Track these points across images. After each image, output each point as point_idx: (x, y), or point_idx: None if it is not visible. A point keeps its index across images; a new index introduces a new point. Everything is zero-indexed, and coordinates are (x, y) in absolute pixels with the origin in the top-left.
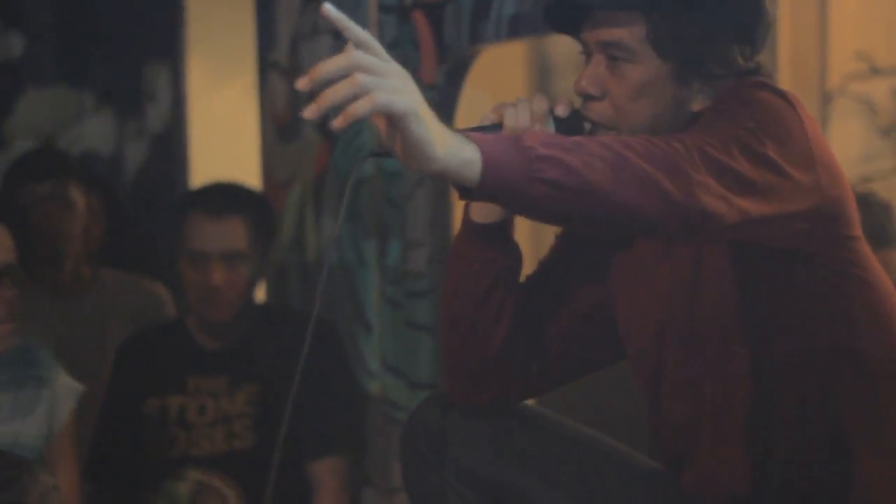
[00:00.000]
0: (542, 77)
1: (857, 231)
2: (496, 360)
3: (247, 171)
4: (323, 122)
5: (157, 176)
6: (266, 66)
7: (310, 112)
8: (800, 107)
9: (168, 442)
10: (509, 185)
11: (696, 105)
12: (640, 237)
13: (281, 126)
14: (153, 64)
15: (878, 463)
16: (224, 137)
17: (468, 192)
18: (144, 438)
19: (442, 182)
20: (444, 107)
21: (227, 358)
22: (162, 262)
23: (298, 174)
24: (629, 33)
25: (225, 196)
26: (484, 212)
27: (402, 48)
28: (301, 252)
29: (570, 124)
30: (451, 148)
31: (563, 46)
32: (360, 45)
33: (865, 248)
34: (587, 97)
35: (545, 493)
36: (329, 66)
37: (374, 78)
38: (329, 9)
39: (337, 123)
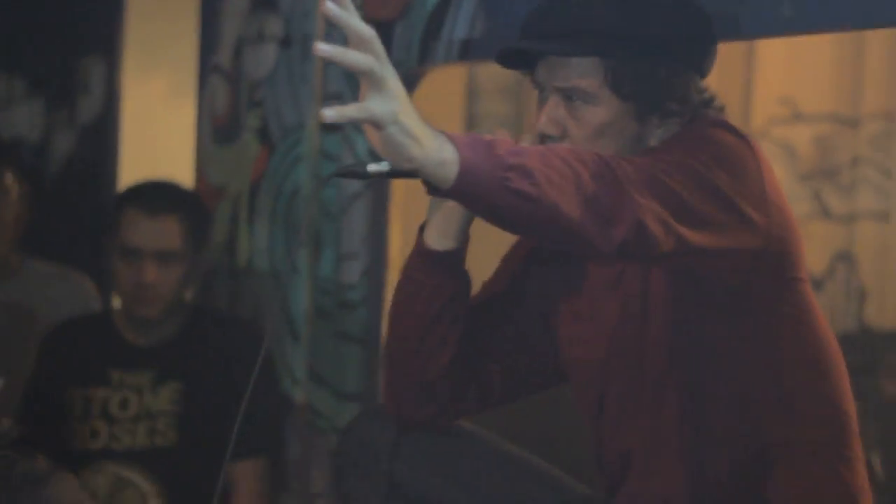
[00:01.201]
0: (472, 100)
1: (803, 274)
2: (437, 381)
3: (178, 170)
4: (262, 128)
5: (84, 167)
6: (207, 67)
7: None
8: (757, 148)
9: (89, 434)
10: (479, 190)
11: (653, 140)
12: (581, 255)
13: (218, 128)
14: (89, 55)
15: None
16: (157, 136)
17: (436, 190)
18: (65, 429)
19: (379, 195)
20: None
21: (152, 354)
22: (85, 253)
23: (233, 178)
24: (587, 80)
25: (162, 194)
26: (439, 239)
27: None
28: (231, 256)
29: None
30: (429, 149)
31: (491, 70)
32: (361, 42)
33: (809, 291)
34: (546, 137)
35: None
36: (352, 57)
37: (371, 84)
38: (331, 7)
39: (328, 117)
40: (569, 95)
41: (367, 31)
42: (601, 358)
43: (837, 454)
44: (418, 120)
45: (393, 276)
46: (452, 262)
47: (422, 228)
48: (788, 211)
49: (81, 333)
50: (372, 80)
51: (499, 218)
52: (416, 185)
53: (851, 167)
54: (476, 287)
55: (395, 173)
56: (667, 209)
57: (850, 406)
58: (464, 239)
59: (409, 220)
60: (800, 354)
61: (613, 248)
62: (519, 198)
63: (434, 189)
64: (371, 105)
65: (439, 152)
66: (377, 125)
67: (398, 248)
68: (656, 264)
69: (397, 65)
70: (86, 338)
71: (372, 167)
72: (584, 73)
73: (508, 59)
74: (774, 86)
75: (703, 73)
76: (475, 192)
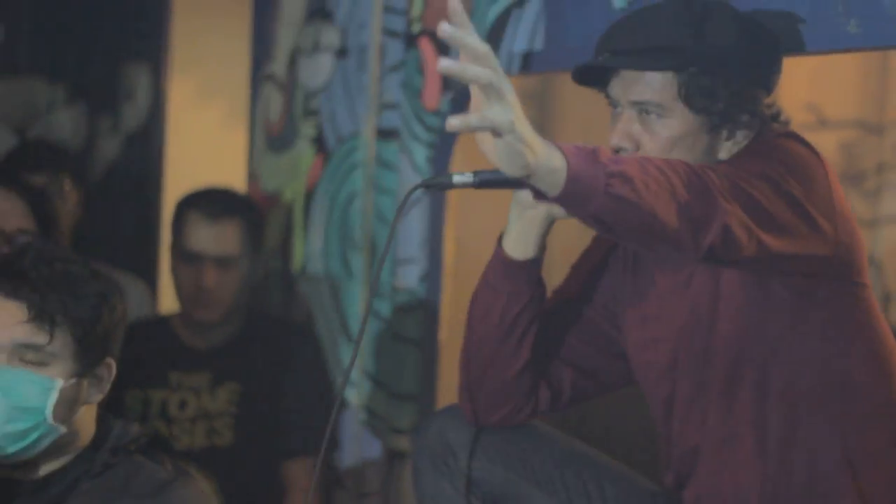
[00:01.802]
0: (542, 112)
1: (866, 279)
2: (512, 383)
3: (227, 177)
4: (318, 136)
5: (129, 174)
6: (260, 76)
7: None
8: (824, 159)
9: None
10: (584, 195)
11: (723, 153)
12: (668, 256)
13: (272, 136)
14: (133, 61)
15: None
16: (205, 144)
17: (542, 195)
18: None
19: (436, 201)
20: (447, 134)
21: (210, 356)
22: (131, 258)
23: (287, 185)
24: (661, 92)
25: (222, 200)
26: (518, 248)
27: (406, 72)
28: (285, 262)
29: None
30: (541, 157)
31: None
32: (478, 58)
33: (871, 297)
34: (620, 150)
35: None
36: (473, 72)
37: (489, 95)
38: (447, 28)
39: (453, 126)
40: (643, 109)
41: (483, 47)
42: (670, 359)
43: None
44: (531, 129)
45: (448, 282)
46: (530, 270)
47: (501, 237)
48: (853, 219)
49: (140, 336)
50: (491, 91)
51: (600, 222)
52: (472, 193)
53: (876, 173)
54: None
55: (482, 183)
56: (748, 215)
57: None
58: (541, 249)
59: (463, 227)
60: (864, 358)
61: (702, 251)
62: (620, 203)
63: (541, 195)
64: (491, 115)
65: (550, 160)
66: (496, 133)
67: (452, 254)
68: (736, 266)
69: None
70: (145, 340)
71: (458, 178)
72: (658, 87)
73: (583, 75)
74: (800, 93)
75: (769, 89)
76: (581, 198)
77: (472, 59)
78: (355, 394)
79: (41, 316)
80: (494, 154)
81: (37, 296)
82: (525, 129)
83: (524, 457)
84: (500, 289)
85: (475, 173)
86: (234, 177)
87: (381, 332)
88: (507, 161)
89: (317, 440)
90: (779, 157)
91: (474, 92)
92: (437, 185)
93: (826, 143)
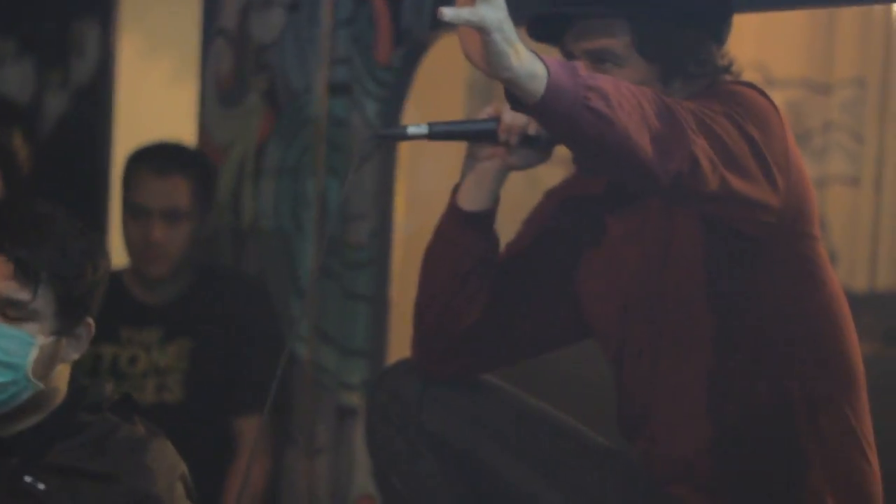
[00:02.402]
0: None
1: (817, 231)
2: (466, 336)
3: (177, 130)
4: (269, 91)
5: (78, 129)
6: (211, 31)
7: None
8: (778, 109)
9: None
10: (562, 106)
11: None
12: (637, 186)
13: (223, 91)
14: (82, 15)
15: (819, 447)
16: (154, 97)
17: (520, 105)
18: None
19: (386, 156)
20: (398, 88)
21: (160, 312)
22: (81, 214)
23: (239, 139)
24: (615, 41)
25: (170, 154)
26: (472, 200)
27: (357, 26)
28: (236, 216)
29: None
30: (525, 61)
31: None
32: None
33: (822, 249)
34: None
35: (506, 461)
36: None
37: None
38: None
39: (447, 15)
40: (598, 58)
41: None
42: (620, 309)
43: (849, 405)
44: (514, 33)
45: (399, 237)
46: (484, 222)
47: (455, 190)
48: (805, 171)
49: None
50: None
51: (575, 136)
52: (423, 149)
53: (823, 132)
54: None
55: (436, 135)
56: (713, 148)
57: (859, 358)
58: (495, 201)
59: (414, 182)
60: (815, 308)
61: (670, 177)
62: (596, 117)
63: (518, 104)
64: (482, 10)
65: (533, 65)
66: (485, 30)
67: (403, 211)
68: (698, 205)
69: (408, 31)
70: None
71: (412, 129)
72: (612, 34)
73: (536, 30)
74: (747, 52)
75: (720, 41)
76: (558, 108)
77: None
78: (306, 350)
79: (26, 272)
80: (478, 54)
81: (23, 251)
82: (512, 31)
83: (476, 410)
84: (453, 240)
85: (430, 125)
86: (184, 132)
87: (331, 289)
88: (493, 61)
89: (267, 397)
90: (738, 100)
91: None
92: (390, 137)
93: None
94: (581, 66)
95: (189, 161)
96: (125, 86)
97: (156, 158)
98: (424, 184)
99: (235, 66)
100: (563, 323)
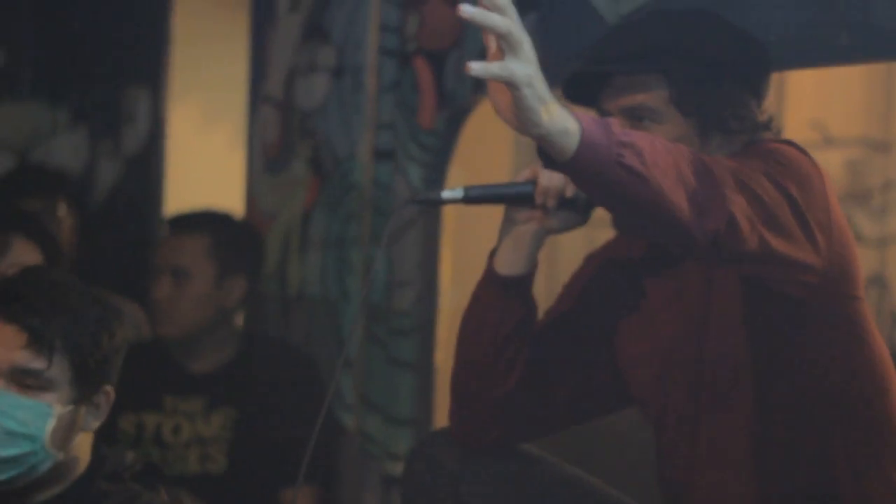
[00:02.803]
0: None
1: (861, 292)
2: (504, 404)
3: (226, 198)
4: (314, 157)
5: (129, 198)
6: (258, 97)
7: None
8: (820, 167)
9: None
10: (595, 162)
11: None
12: (675, 246)
13: (269, 157)
14: (134, 85)
15: None
16: (204, 165)
17: (552, 163)
18: None
19: (431, 222)
20: (442, 152)
21: (204, 380)
22: (131, 283)
23: (285, 206)
24: (653, 96)
25: (188, 216)
26: (509, 264)
27: (401, 92)
28: (282, 285)
29: None
30: (555, 117)
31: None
32: (497, 8)
33: (867, 310)
34: None
35: None
36: (493, 19)
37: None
38: (467, 8)
39: (474, 70)
40: (634, 115)
41: (503, 2)
42: (660, 373)
43: (895, 465)
44: (546, 87)
45: (444, 303)
46: (521, 287)
47: (492, 254)
48: (848, 230)
49: (136, 359)
50: (510, 42)
51: (609, 193)
52: (468, 212)
53: (883, 191)
54: (539, 314)
55: (471, 199)
56: (751, 207)
57: None
58: (533, 265)
59: (460, 248)
60: (859, 368)
61: (707, 236)
62: (630, 174)
63: (551, 162)
64: (512, 65)
65: (564, 121)
66: (514, 85)
67: (449, 276)
68: (736, 265)
69: (451, 94)
70: (140, 363)
71: (447, 194)
72: (649, 91)
73: (574, 91)
74: (805, 110)
75: (759, 97)
76: (591, 165)
77: (492, 9)
78: (352, 419)
79: (40, 341)
80: (508, 109)
81: (37, 320)
82: (542, 86)
83: (516, 480)
84: (490, 306)
85: (465, 189)
86: (233, 199)
87: (376, 356)
88: (523, 116)
89: (314, 467)
90: (777, 159)
91: (491, 44)
92: (426, 202)
93: (832, 161)
94: (615, 123)
95: (206, 222)
96: (176, 154)
97: (174, 219)
98: (470, 249)
99: (281, 133)
100: (602, 390)
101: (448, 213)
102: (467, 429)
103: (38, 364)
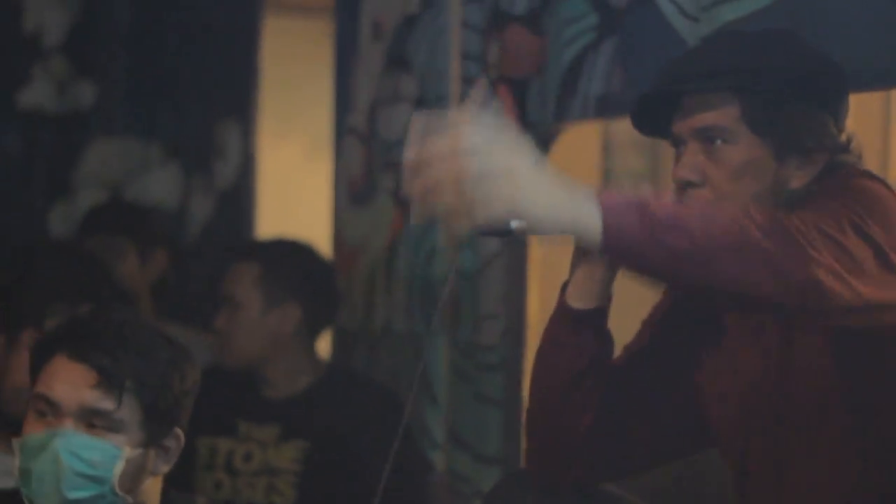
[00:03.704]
0: (607, 155)
1: None
2: (581, 445)
3: (315, 232)
4: (398, 189)
5: (222, 232)
6: (342, 128)
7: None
8: None
9: (213, 485)
10: (631, 249)
11: (795, 182)
12: (753, 312)
13: (354, 190)
14: (224, 120)
15: None
16: (292, 197)
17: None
18: (193, 477)
19: (517, 255)
20: None
21: (279, 408)
22: None
23: (370, 240)
24: (724, 115)
25: (249, 245)
26: (582, 298)
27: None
28: (370, 319)
29: None
30: (563, 219)
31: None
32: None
33: None
34: (687, 185)
35: None
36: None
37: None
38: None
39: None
40: (707, 137)
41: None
42: (742, 413)
43: None
44: (547, 181)
45: (532, 337)
46: (595, 321)
47: (564, 287)
48: None
49: (215, 382)
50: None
51: (657, 275)
52: (555, 245)
53: None
54: (618, 350)
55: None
56: (840, 263)
57: None
58: (606, 298)
59: (547, 280)
60: None
61: (793, 302)
62: (678, 259)
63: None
64: (486, 213)
65: (576, 222)
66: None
67: (536, 309)
68: (835, 321)
69: (533, 123)
70: (220, 387)
71: (515, 224)
72: (721, 110)
73: (644, 123)
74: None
75: (837, 118)
76: (627, 252)
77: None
78: (441, 457)
79: (110, 380)
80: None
81: (106, 360)
82: (537, 186)
83: None
84: (564, 341)
85: None
86: (322, 232)
87: (463, 392)
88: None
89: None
90: (857, 197)
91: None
92: (493, 233)
93: None
94: (656, 200)
95: (259, 250)
96: (267, 188)
97: (231, 249)
98: (557, 281)
99: (366, 165)
100: (684, 429)
101: (535, 243)
102: (545, 469)
103: (107, 404)
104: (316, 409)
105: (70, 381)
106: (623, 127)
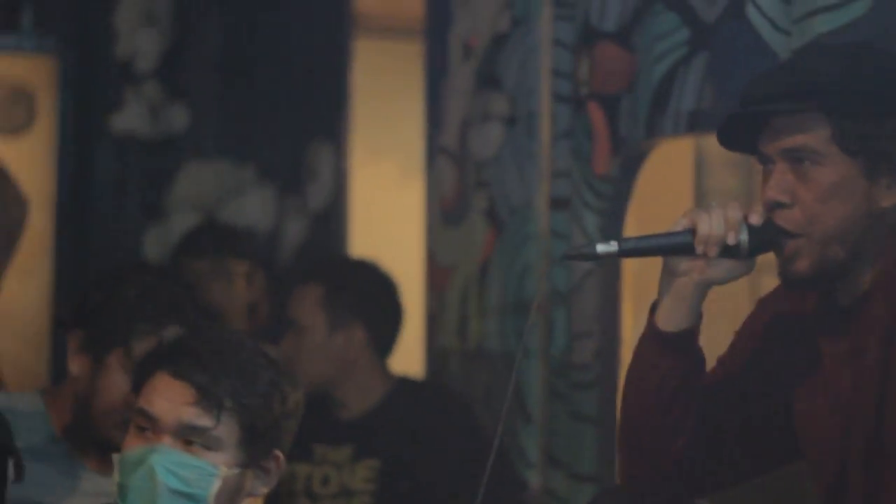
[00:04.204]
0: (700, 173)
1: None
2: (675, 463)
3: (408, 252)
4: (489, 208)
5: (315, 253)
6: (433, 148)
7: None
8: None
9: None
10: None
11: (886, 201)
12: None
13: (446, 210)
14: (316, 142)
15: None
16: (385, 218)
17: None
18: None
19: (610, 273)
20: (618, 199)
21: (352, 428)
22: None
23: (462, 260)
24: (814, 136)
25: (313, 267)
26: (672, 320)
27: (575, 138)
28: (463, 339)
29: (764, 233)
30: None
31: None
32: None
33: None
34: (776, 205)
35: None
36: None
37: None
38: None
39: None
40: (796, 158)
41: None
42: (838, 434)
43: None
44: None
45: (626, 355)
46: (685, 342)
47: (653, 308)
48: None
49: None
50: None
51: None
52: (648, 262)
53: None
54: (711, 360)
55: (626, 252)
56: None
57: None
58: (697, 318)
59: (641, 297)
60: None
61: None
62: None
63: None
64: None
65: None
66: None
67: (630, 326)
68: None
69: (625, 139)
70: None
71: (601, 248)
72: (809, 130)
73: (729, 138)
74: None
75: None
76: None
77: None
78: (537, 476)
79: (209, 398)
80: None
81: (207, 377)
82: None
83: None
84: (654, 363)
85: (620, 241)
86: (414, 254)
87: (559, 411)
88: None
89: None
90: None
91: None
92: (579, 256)
93: None
94: None
95: (321, 273)
96: (360, 209)
97: (295, 272)
98: (650, 298)
99: (458, 184)
100: (778, 444)
101: (628, 262)
102: (639, 489)
103: (205, 422)
104: (386, 425)
105: (169, 398)
106: (716, 144)
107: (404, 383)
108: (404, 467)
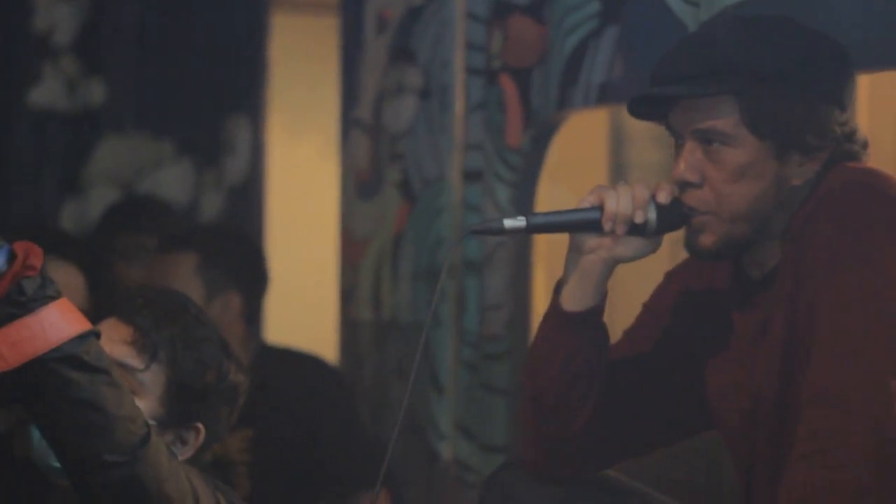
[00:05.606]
0: (618, 145)
1: None
2: (577, 438)
3: (324, 225)
4: (403, 181)
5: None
6: (348, 122)
7: None
8: None
9: None
10: None
11: (796, 180)
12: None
13: (361, 183)
14: (233, 116)
15: None
16: (302, 192)
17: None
18: None
19: (522, 244)
20: (529, 172)
21: None
22: None
23: (376, 232)
24: (723, 120)
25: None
26: (576, 299)
27: (487, 110)
28: (376, 310)
29: (671, 212)
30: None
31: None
32: None
33: None
34: (685, 184)
35: None
36: None
37: None
38: None
39: None
40: (706, 139)
41: None
42: (749, 407)
43: None
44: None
45: (537, 326)
46: (590, 321)
47: (557, 288)
48: None
49: None
50: None
51: None
52: (559, 235)
53: None
54: (617, 332)
55: (534, 228)
56: None
57: None
58: (602, 296)
59: (553, 268)
60: None
61: None
62: None
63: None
64: None
65: None
66: None
67: (542, 297)
68: None
69: (537, 112)
70: None
71: (508, 223)
72: (719, 113)
73: (640, 109)
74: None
75: (842, 106)
76: None
77: None
78: (447, 447)
79: (144, 342)
80: None
81: (148, 322)
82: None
83: None
84: (558, 342)
85: (527, 216)
86: (331, 226)
87: (470, 382)
88: None
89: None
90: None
91: None
92: (486, 232)
93: None
94: None
95: (191, 241)
96: (279, 184)
97: (165, 239)
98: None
99: (372, 157)
100: (688, 418)
101: (540, 235)
102: (539, 464)
103: (134, 362)
104: (254, 393)
105: (110, 336)
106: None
107: (270, 351)
108: (278, 438)
